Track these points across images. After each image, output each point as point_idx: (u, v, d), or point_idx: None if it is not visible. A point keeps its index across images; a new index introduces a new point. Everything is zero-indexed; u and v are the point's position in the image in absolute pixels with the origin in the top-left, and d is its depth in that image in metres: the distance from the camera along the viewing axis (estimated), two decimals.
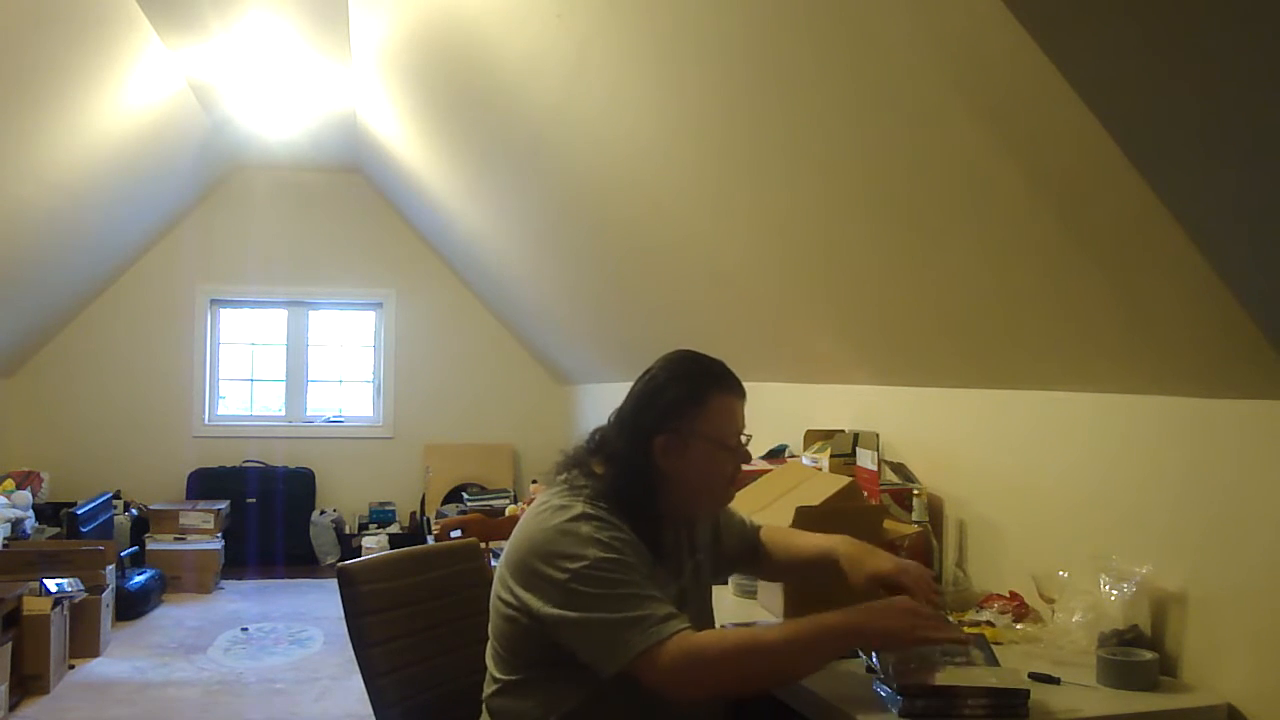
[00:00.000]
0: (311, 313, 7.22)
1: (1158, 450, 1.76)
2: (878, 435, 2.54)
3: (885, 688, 1.51)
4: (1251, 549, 1.55)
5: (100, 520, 5.66)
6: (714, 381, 1.60)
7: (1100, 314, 1.68)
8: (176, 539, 5.91)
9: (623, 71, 2.60)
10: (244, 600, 5.63)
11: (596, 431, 1.65)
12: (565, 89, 2.99)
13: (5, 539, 4.98)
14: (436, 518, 5.67)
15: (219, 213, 6.83)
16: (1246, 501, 1.56)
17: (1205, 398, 1.64)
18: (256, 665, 4.44)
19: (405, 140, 5.23)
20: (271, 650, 4.68)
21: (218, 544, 5.97)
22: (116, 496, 6.17)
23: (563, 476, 1.61)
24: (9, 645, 3.71)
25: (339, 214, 6.97)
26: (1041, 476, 2.07)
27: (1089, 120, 1.23)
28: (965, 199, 1.73)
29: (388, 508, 6.86)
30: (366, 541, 6.36)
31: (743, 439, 1.63)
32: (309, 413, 7.19)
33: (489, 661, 1.60)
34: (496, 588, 1.56)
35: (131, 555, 5.58)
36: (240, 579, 6.11)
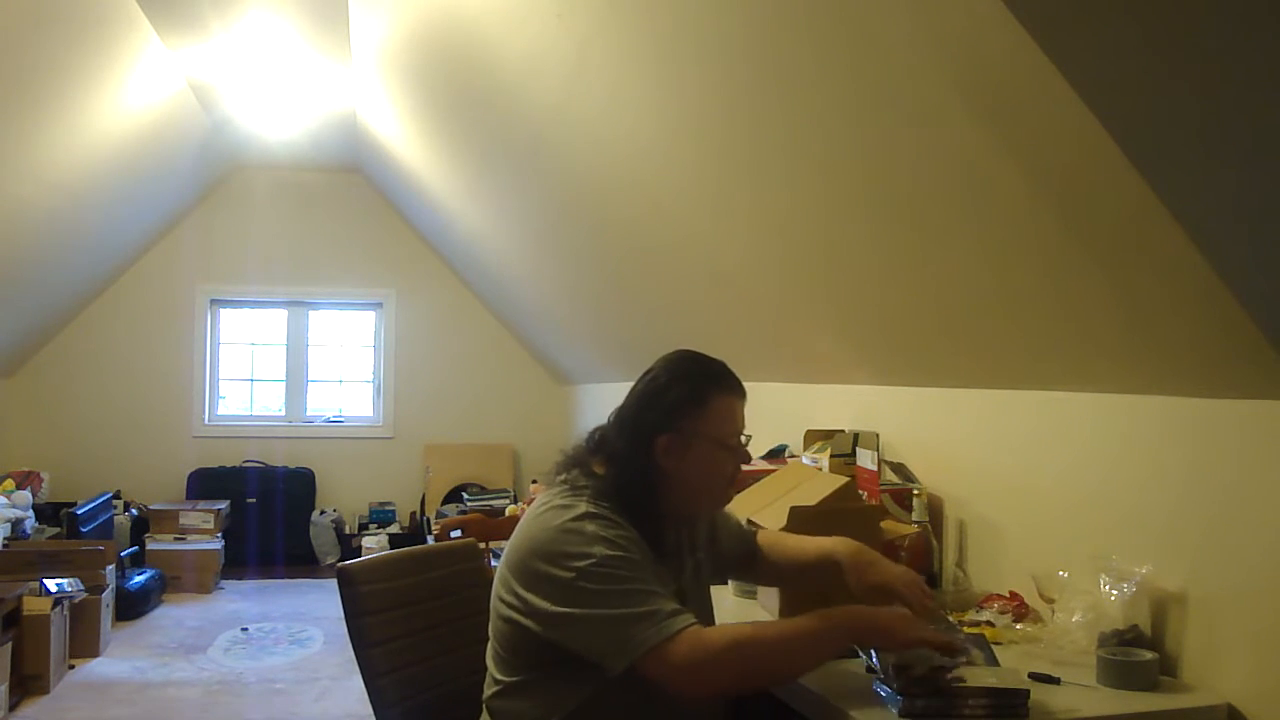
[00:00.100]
0: (311, 313, 7.22)
1: (1158, 450, 1.76)
2: (878, 435, 2.54)
3: (885, 688, 1.51)
4: (1251, 549, 1.55)
5: (100, 520, 5.66)
6: (715, 382, 1.61)
7: (1100, 314, 1.68)
8: (176, 539, 5.91)
9: (623, 71, 2.60)
10: (244, 600, 5.63)
11: (596, 431, 1.65)
12: (565, 89, 2.99)
13: (5, 539, 4.98)
14: (436, 518, 5.68)
15: (219, 213, 6.83)
16: (1246, 502, 1.56)
17: (1205, 398, 1.64)
18: (256, 665, 4.44)
19: (405, 140, 5.23)
20: (271, 650, 4.68)
21: (218, 544, 5.97)
22: (116, 496, 6.18)
23: (563, 476, 1.61)
24: (9, 645, 3.70)
25: (339, 214, 6.97)
26: (1041, 476, 2.07)
27: (1089, 120, 1.23)
28: (965, 199, 1.73)
29: (388, 508, 6.86)
30: (366, 541, 6.36)
31: (743, 439, 1.63)
32: (309, 413, 7.19)
33: (489, 662, 1.60)
34: (497, 588, 1.56)
35: (131, 555, 5.59)
36: (240, 579, 6.11)
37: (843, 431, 2.58)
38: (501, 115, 3.65)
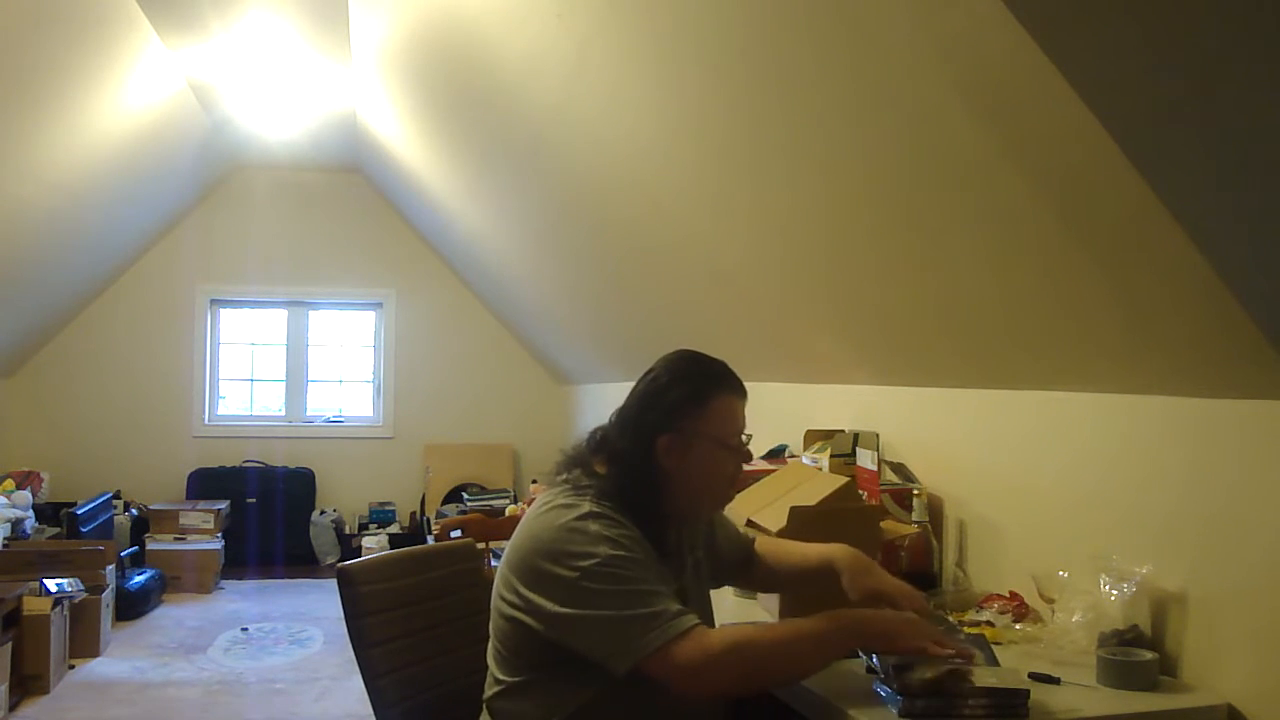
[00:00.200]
0: (311, 313, 7.22)
1: (1158, 450, 1.76)
2: (878, 435, 2.54)
3: (885, 688, 1.51)
4: (1251, 549, 1.55)
5: (100, 520, 5.66)
6: (716, 382, 1.61)
7: (1100, 314, 1.68)
8: (176, 539, 5.91)
9: (623, 71, 2.60)
10: (244, 600, 5.64)
11: (597, 431, 1.65)
12: (565, 89, 2.99)
13: (5, 539, 4.99)
14: (436, 518, 5.67)
15: (219, 213, 6.83)
16: (1247, 501, 1.56)
17: (1205, 398, 1.64)
18: (256, 665, 4.44)
19: (405, 140, 5.23)
20: (271, 650, 4.68)
21: (218, 544, 5.97)
22: (116, 496, 6.18)
23: (565, 476, 1.61)
24: (9, 645, 3.71)
25: (339, 214, 6.97)
26: (1041, 476, 2.07)
27: (1089, 120, 1.23)
28: (965, 199, 1.73)
29: (388, 508, 6.86)
30: (366, 541, 6.36)
31: (744, 439, 1.63)
32: (309, 413, 7.19)
33: (490, 662, 1.60)
34: (499, 587, 1.56)
35: (131, 555, 5.59)
36: (240, 579, 6.11)
37: (843, 431, 2.58)
38: (501, 115, 3.65)
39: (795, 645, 1.44)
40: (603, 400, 5.75)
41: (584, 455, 1.62)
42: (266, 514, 6.50)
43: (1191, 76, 1.14)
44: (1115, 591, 1.68)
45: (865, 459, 2.42)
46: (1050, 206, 1.54)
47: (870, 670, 1.61)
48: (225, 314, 7.13)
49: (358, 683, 1.81)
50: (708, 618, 1.69)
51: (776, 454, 2.92)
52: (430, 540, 5.02)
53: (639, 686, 1.41)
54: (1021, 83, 1.33)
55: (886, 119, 1.75)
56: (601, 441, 1.63)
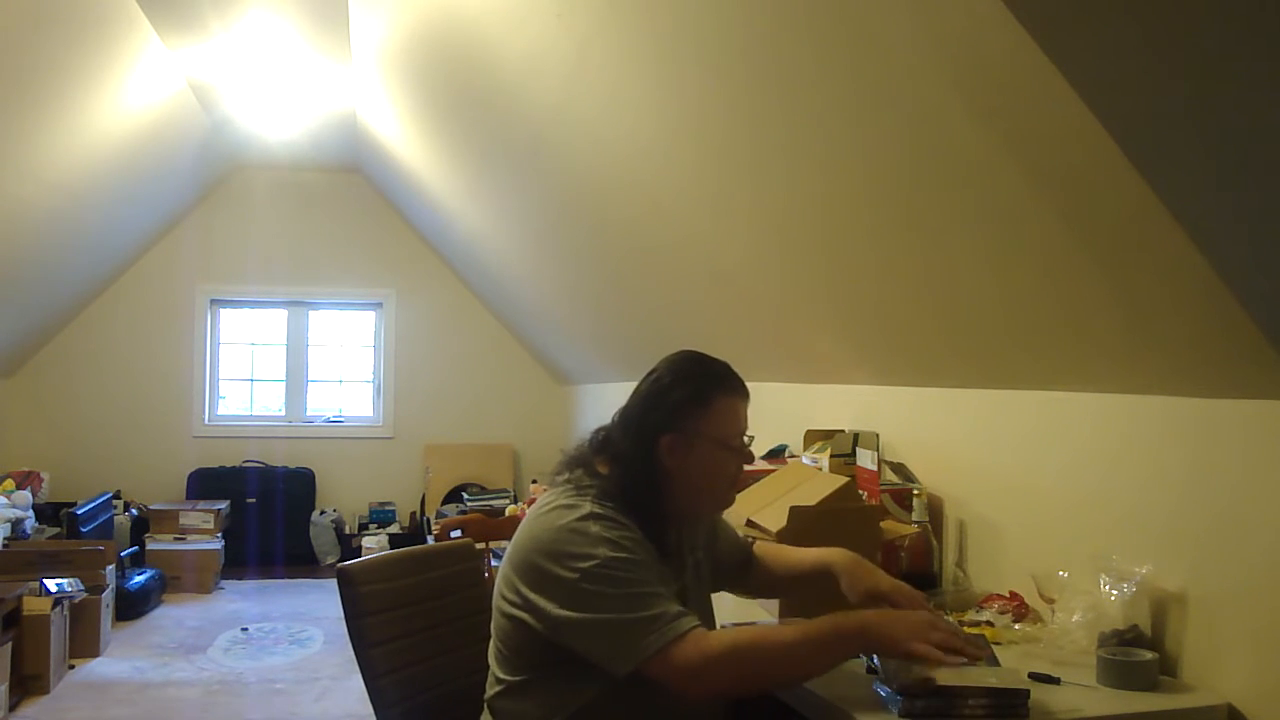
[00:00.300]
0: (311, 313, 7.23)
1: (1158, 450, 1.76)
2: (878, 435, 2.54)
3: (885, 688, 1.51)
4: (1252, 549, 1.55)
5: (100, 520, 5.66)
6: (718, 382, 1.61)
7: (1100, 314, 1.68)
8: (176, 539, 5.91)
9: (623, 71, 2.60)
10: (244, 600, 5.64)
11: (599, 431, 1.65)
12: (565, 89, 2.99)
13: (5, 539, 4.98)
14: (436, 518, 5.67)
15: (219, 213, 6.83)
16: (1247, 501, 1.56)
17: (1205, 398, 1.64)
18: (256, 665, 4.44)
19: (405, 140, 5.23)
20: (271, 650, 4.68)
21: (218, 544, 5.97)
22: (116, 496, 6.18)
23: (566, 476, 1.62)
24: (9, 645, 3.70)
25: (339, 214, 6.97)
26: (1041, 476, 2.07)
27: (1089, 120, 1.23)
28: (965, 199, 1.73)
29: (388, 508, 6.86)
30: (366, 541, 6.36)
31: (746, 439, 1.64)
32: (309, 413, 7.19)
33: (492, 661, 1.60)
34: (500, 586, 1.56)
35: (131, 555, 5.59)
36: (240, 579, 6.11)
37: (843, 431, 2.58)
38: (501, 115, 3.65)
39: (797, 649, 1.42)
40: (603, 400, 5.75)
41: (586, 455, 1.63)
42: (266, 514, 6.50)
43: (1192, 76, 1.14)
44: (1115, 591, 1.68)
45: (865, 459, 2.42)
46: (1050, 206, 1.54)
47: (870, 670, 1.61)
48: (225, 314, 7.13)
49: (358, 683, 1.81)
50: (708, 618, 1.69)
51: (776, 454, 2.92)
52: (430, 540, 5.02)
53: (640, 687, 1.41)
54: (1021, 83, 1.33)
55: (886, 119, 1.75)
56: (604, 442, 1.63)
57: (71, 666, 4.22)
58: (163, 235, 6.73)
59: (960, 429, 2.37)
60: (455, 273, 7.09)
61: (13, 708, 3.71)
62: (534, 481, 5.62)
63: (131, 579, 5.22)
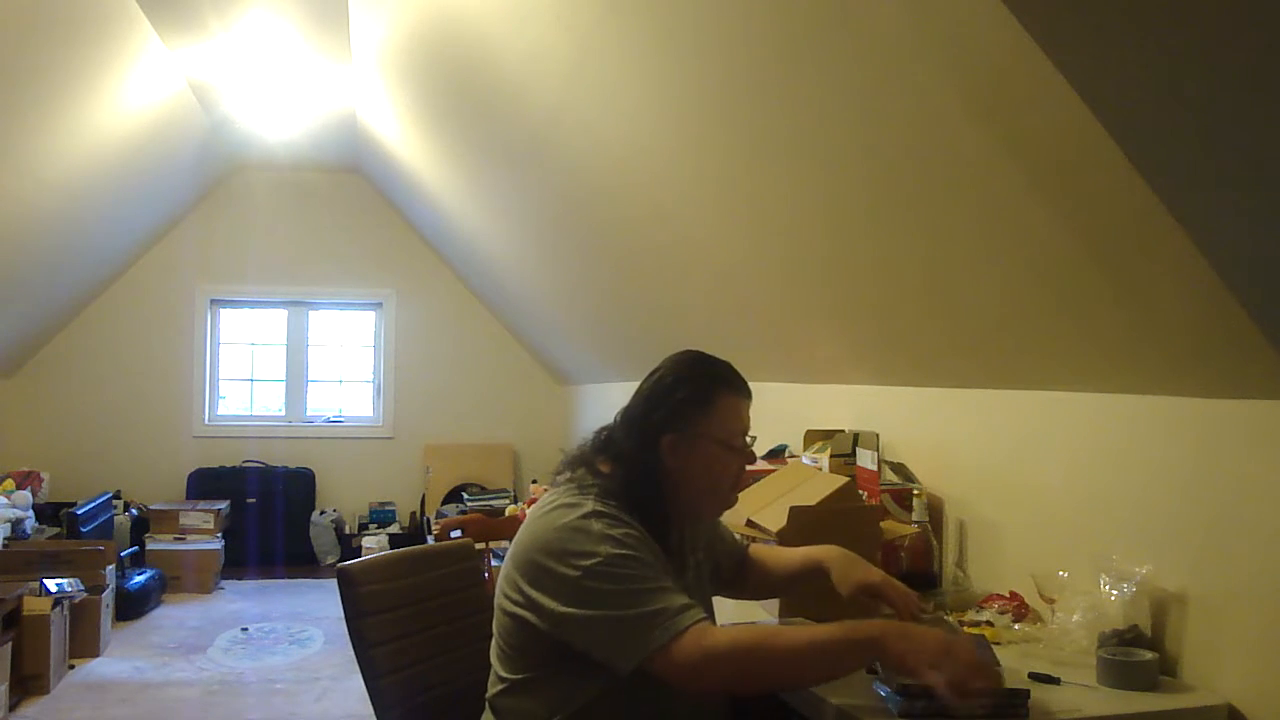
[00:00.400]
0: (311, 313, 7.23)
1: (1158, 450, 1.76)
2: (878, 435, 2.54)
3: (884, 687, 1.51)
4: (1252, 549, 1.55)
5: (100, 520, 5.66)
6: (721, 382, 1.62)
7: (1100, 314, 1.68)
8: (176, 539, 5.91)
9: (623, 72, 2.60)
10: (244, 600, 5.64)
11: (602, 430, 1.65)
12: (565, 89, 2.99)
13: (5, 539, 4.98)
14: (436, 518, 5.67)
15: (219, 213, 6.83)
16: (1247, 501, 1.56)
17: (1205, 398, 1.64)
18: (256, 665, 4.44)
19: (405, 140, 5.23)
20: (271, 650, 4.68)
21: (218, 544, 5.97)
22: (116, 496, 6.18)
23: (567, 475, 1.62)
24: (9, 645, 3.71)
25: (339, 214, 6.98)
26: (1041, 476, 2.07)
27: (1089, 120, 1.23)
28: (966, 199, 1.73)
29: (388, 508, 6.86)
30: (366, 541, 6.36)
31: (748, 440, 1.64)
32: (309, 413, 7.19)
33: (494, 660, 1.60)
34: (503, 585, 1.56)
35: (131, 555, 5.59)
36: (240, 579, 6.11)
37: (843, 431, 2.58)
38: (502, 115, 3.65)
39: (803, 653, 1.39)
40: (603, 400, 5.75)
41: (588, 454, 1.63)
42: (266, 514, 6.50)
43: (1192, 76, 1.14)
44: (1115, 591, 1.68)
45: (865, 459, 2.42)
46: (1050, 206, 1.54)
47: (870, 670, 1.60)
48: (225, 314, 7.13)
49: (358, 683, 1.81)
50: (710, 618, 1.69)
51: (776, 454, 2.92)
52: (430, 540, 5.02)
53: (642, 684, 1.41)
54: (1021, 83, 1.33)
55: (886, 118, 1.75)
56: (606, 441, 1.63)
57: (71, 666, 4.22)
58: (163, 235, 6.73)
59: (960, 429, 2.37)
60: (455, 273, 7.09)
61: (13, 708, 3.71)
62: (534, 481, 5.62)
63: (131, 579, 5.22)
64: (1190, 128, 1.19)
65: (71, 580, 4.33)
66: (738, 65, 2.07)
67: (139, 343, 6.71)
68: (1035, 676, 1.59)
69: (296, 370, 7.19)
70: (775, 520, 2.04)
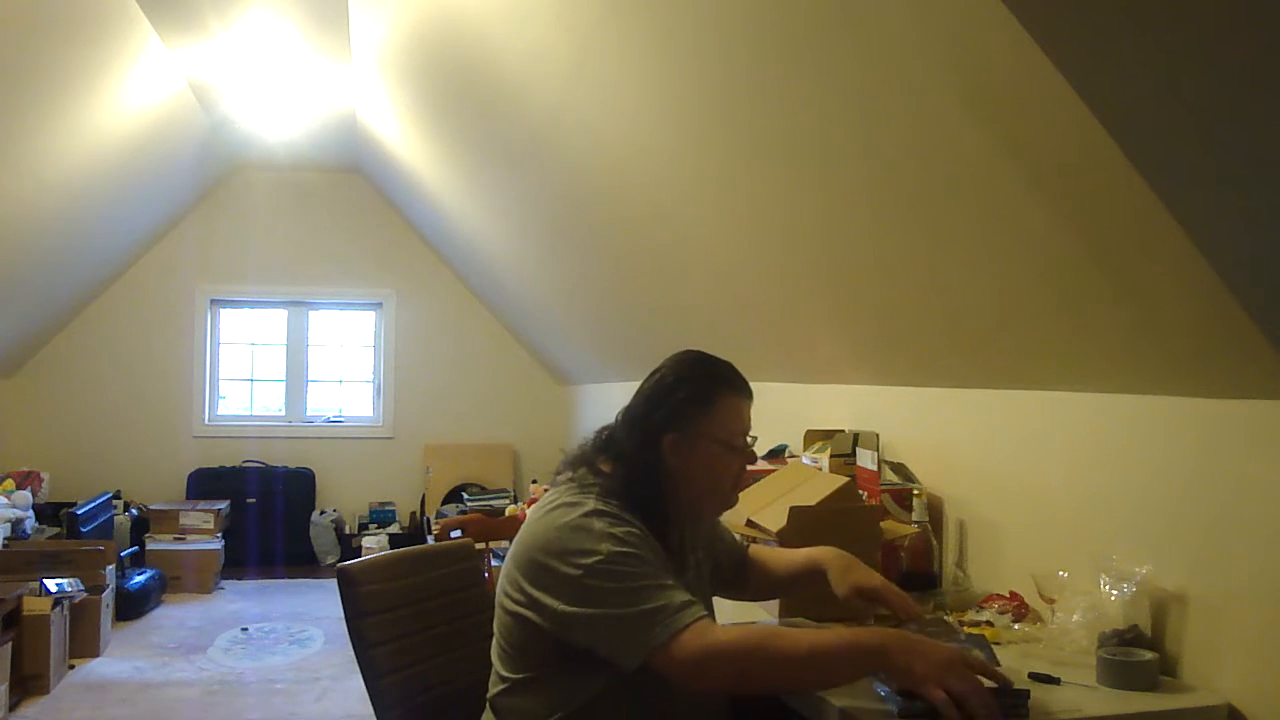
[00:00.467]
0: (311, 313, 7.23)
1: (1158, 450, 1.76)
2: (878, 435, 2.54)
3: (884, 687, 1.50)
4: (1252, 549, 1.55)
5: (100, 520, 5.66)
6: (722, 383, 1.62)
7: (1100, 314, 1.68)
8: (176, 539, 5.91)
9: (623, 72, 2.60)
10: (244, 600, 5.64)
11: (603, 430, 1.65)
12: (565, 89, 2.99)
13: (5, 539, 4.99)
14: (436, 518, 5.67)
15: (219, 213, 6.83)
16: (1247, 501, 1.56)
17: (1205, 398, 1.64)
18: (256, 665, 4.45)
19: (405, 140, 5.23)
20: (271, 650, 4.68)
21: (218, 544, 5.97)
22: (116, 496, 6.18)
23: (568, 475, 1.62)
24: (9, 645, 3.71)
25: (339, 214, 6.98)
26: (1041, 476, 2.07)
27: (1089, 120, 1.23)
28: (966, 199, 1.73)
29: (388, 508, 6.86)
30: (366, 541, 6.36)
31: (749, 440, 1.64)
32: (309, 413, 7.19)
33: (495, 659, 1.60)
34: (504, 585, 1.56)
35: (131, 555, 5.59)
36: (240, 579, 6.11)
37: (843, 431, 2.58)
38: (502, 115, 3.65)
39: (806, 656, 1.37)
40: (603, 400, 5.75)
41: (589, 454, 1.63)
42: (266, 514, 6.51)
43: (1192, 76, 1.14)
44: (1115, 591, 1.68)
45: (865, 459, 2.42)
46: (1050, 206, 1.54)
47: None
48: (225, 314, 7.13)
49: (358, 683, 1.81)
50: (710, 617, 1.69)
51: (776, 454, 2.92)
52: (430, 540, 5.02)
53: (643, 684, 1.41)
54: (1021, 83, 1.33)
55: (887, 118, 1.75)
56: (607, 441, 1.63)
57: (71, 666, 4.22)
58: (163, 235, 6.74)
59: (960, 429, 2.37)
60: (455, 273, 7.09)
61: (13, 708, 3.72)
62: (534, 481, 5.62)
63: (131, 579, 5.22)
64: (1189, 127, 1.19)
65: (71, 580, 4.33)
66: (737, 65, 2.07)
67: (139, 343, 6.71)
68: (1035, 676, 1.59)
69: (296, 370, 7.20)
70: (775, 520, 2.04)
